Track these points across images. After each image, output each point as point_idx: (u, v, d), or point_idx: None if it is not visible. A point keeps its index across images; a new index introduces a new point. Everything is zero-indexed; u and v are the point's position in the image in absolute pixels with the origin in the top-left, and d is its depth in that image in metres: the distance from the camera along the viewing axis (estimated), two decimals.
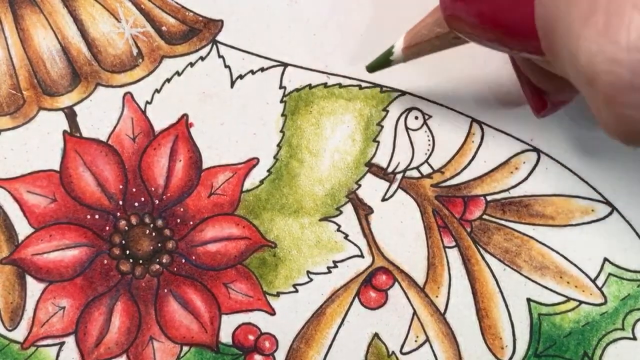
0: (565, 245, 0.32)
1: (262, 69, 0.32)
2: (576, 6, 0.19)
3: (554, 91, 0.28)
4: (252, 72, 0.32)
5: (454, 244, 0.33)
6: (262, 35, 0.32)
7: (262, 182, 0.32)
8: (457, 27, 0.25)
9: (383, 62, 0.30)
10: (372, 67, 0.30)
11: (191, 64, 0.32)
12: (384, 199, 0.33)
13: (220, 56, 0.32)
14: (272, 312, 0.32)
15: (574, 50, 0.19)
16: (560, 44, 0.20)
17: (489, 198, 0.33)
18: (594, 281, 0.32)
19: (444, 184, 0.33)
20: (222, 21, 0.32)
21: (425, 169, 0.33)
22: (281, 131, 0.32)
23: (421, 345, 0.32)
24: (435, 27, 0.27)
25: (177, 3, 0.32)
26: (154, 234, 0.32)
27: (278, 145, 0.32)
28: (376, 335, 0.32)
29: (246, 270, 0.32)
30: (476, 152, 0.33)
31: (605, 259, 0.32)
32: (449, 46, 0.28)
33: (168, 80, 0.32)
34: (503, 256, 0.32)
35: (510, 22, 0.23)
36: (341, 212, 0.32)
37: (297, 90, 0.32)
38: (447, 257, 0.32)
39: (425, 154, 0.33)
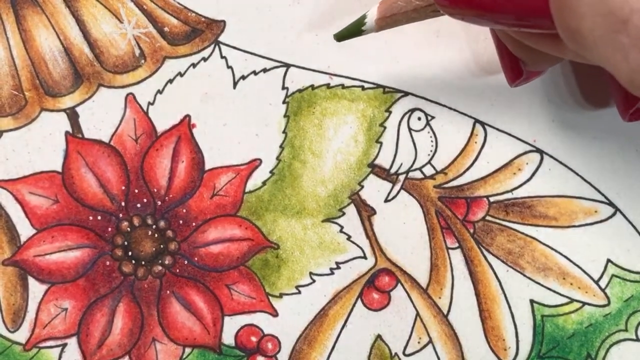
0: (568, 246, 0.32)
1: (265, 70, 0.32)
2: None
3: (531, 61, 0.28)
4: (255, 72, 0.32)
5: (456, 245, 0.32)
6: (264, 35, 0.32)
7: (264, 183, 0.32)
8: (446, 4, 0.25)
9: (354, 31, 0.29)
10: (342, 36, 0.29)
11: (193, 65, 0.32)
12: (386, 200, 0.32)
13: (222, 57, 0.32)
14: (275, 314, 0.32)
15: None
16: None
17: (492, 199, 0.33)
18: (597, 282, 0.32)
19: (446, 185, 0.33)
20: (224, 22, 0.32)
21: (428, 170, 0.33)
22: (284, 132, 0.32)
23: (424, 346, 0.32)
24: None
25: (179, 4, 0.32)
26: (156, 235, 0.32)
27: (280, 146, 0.32)
28: (379, 336, 0.32)
29: (249, 271, 0.32)
30: (479, 153, 0.33)
31: (609, 260, 0.32)
32: (425, 18, 0.27)
33: (170, 81, 0.32)
34: (506, 257, 0.32)
35: None
36: (344, 213, 0.32)
37: (300, 91, 0.32)
38: (450, 258, 0.32)
39: (428, 155, 0.33)
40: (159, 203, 0.32)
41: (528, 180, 0.33)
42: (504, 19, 0.24)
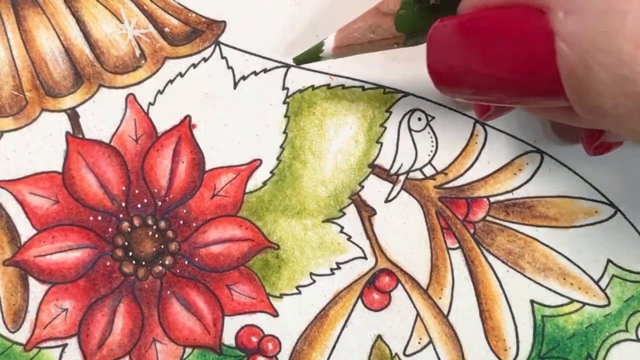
0: (568, 246, 0.32)
1: (265, 70, 0.32)
2: (622, 34, 0.19)
3: None
4: (255, 73, 0.32)
5: (457, 245, 0.32)
6: (265, 36, 0.32)
7: (265, 183, 0.32)
8: (448, 86, 0.24)
9: (312, 57, 0.29)
10: (300, 60, 0.30)
11: (194, 65, 0.32)
12: (387, 201, 0.33)
13: (223, 57, 0.32)
14: (275, 314, 0.32)
15: (630, 75, 0.19)
16: (601, 76, 0.20)
17: (492, 199, 0.33)
18: (597, 283, 0.32)
19: (447, 186, 0.33)
20: (224, 22, 0.32)
21: (429, 171, 0.33)
22: (284, 132, 0.32)
23: (424, 347, 0.32)
24: (369, 32, 0.27)
25: (179, 4, 0.32)
26: (156, 235, 0.32)
27: (281, 146, 0.32)
28: (379, 337, 0.32)
29: (249, 271, 0.32)
30: (479, 154, 0.33)
31: (609, 261, 0.32)
32: (380, 49, 0.28)
33: (171, 81, 0.32)
34: (506, 258, 0.32)
35: (524, 72, 0.21)
36: (344, 214, 0.32)
37: (300, 91, 0.32)
38: (450, 258, 0.32)
39: (429, 155, 0.33)
40: (160, 203, 0.32)
41: (528, 180, 0.33)
42: (514, 102, 0.23)
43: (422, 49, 0.32)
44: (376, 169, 0.32)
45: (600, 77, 0.20)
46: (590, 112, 0.21)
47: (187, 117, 0.32)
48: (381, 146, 0.32)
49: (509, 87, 0.22)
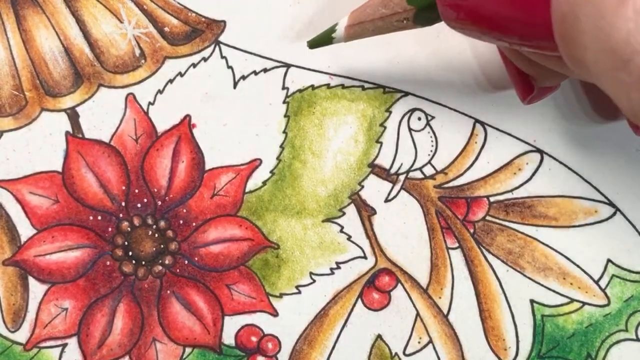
0: (568, 246, 0.32)
1: (265, 70, 0.32)
2: None
3: (541, 77, 0.28)
4: (255, 72, 0.32)
5: (457, 245, 0.32)
6: (264, 36, 0.32)
7: (264, 183, 0.32)
8: (452, 17, 0.25)
9: (325, 39, 0.29)
10: (314, 44, 0.30)
11: (194, 65, 0.32)
12: (387, 200, 0.33)
13: (222, 57, 0.32)
14: (275, 314, 0.32)
15: (607, 29, 0.19)
16: (585, 27, 0.20)
17: (492, 199, 0.33)
18: (597, 282, 0.32)
19: (447, 185, 0.33)
20: (224, 22, 0.32)
21: (428, 170, 0.33)
22: (284, 132, 0.32)
23: (424, 346, 0.32)
24: (381, 7, 0.27)
25: (179, 4, 0.32)
26: (156, 235, 0.32)
27: (281, 146, 0.32)
28: (379, 336, 0.32)
29: (249, 271, 0.32)
30: (479, 153, 0.33)
31: (609, 260, 0.32)
32: (391, 30, 0.28)
33: (171, 81, 0.32)
34: (506, 257, 0.32)
35: (520, 11, 0.22)
36: (344, 214, 0.32)
37: (300, 91, 0.32)
38: (450, 258, 0.32)
39: (428, 155, 0.33)
40: (159, 203, 0.32)
41: (528, 180, 0.33)
42: (508, 39, 0.23)
43: (422, 48, 0.32)
44: (376, 169, 0.33)
45: (584, 29, 0.20)
46: (576, 65, 0.21)
47: (187, 117, 0.32)
48: (381, 146, 0.32)
49: (508, 28, 0.23)
